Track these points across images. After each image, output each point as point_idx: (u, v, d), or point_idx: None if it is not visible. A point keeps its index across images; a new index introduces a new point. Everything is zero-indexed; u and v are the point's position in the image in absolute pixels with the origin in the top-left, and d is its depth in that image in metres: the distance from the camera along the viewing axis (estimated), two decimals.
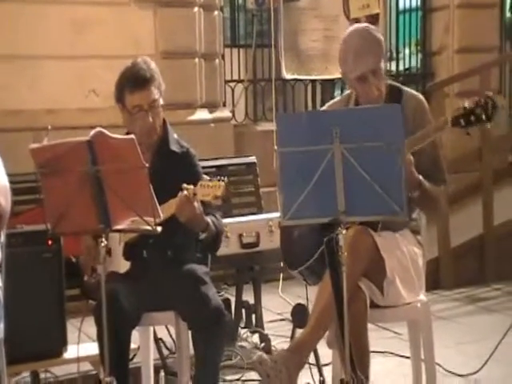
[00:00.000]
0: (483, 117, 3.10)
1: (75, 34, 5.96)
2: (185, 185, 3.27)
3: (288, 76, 7.17)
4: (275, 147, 2.90)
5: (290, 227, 3.42)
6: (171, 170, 3.50)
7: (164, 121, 3.62)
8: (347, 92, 3.59)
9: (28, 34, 5.80)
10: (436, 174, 3.39)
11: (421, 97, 3.49)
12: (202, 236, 3.43)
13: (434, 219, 5.84)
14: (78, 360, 3.52)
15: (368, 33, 3.38)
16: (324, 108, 3.65)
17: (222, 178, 3.28)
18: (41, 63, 5.88)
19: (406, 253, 3.38)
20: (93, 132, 3.01)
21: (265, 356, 3.13)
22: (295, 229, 3.40)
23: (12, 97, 5.76)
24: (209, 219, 3.45)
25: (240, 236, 4.68)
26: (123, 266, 3.47)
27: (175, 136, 3.65)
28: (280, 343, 4.72)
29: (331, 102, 3.71)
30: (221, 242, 3.63)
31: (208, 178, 3.43)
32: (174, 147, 3.61)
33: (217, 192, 3.26)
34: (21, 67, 5.83)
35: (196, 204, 3.30)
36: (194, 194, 3.27)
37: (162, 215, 3.06)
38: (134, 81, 3.46)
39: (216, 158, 5.23)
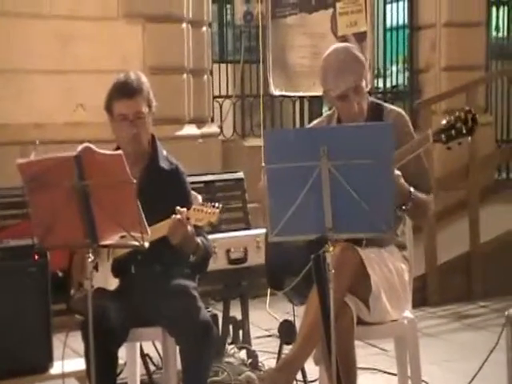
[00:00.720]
0: (463, 130, 3.13)
1: (63, 48, 5.96)
2: (178, 208, 3.27)
3: (276, 92, 7.18)
4: (263, 164, 2.89)
5: (274, 248, 3.43)
6: (160, 186, 3.50)
7: (153, 137, 3.62)
8: (328, 112, 3.61)
9: (16, 47, 5.80)
10: (422, 184, 3.40)
11: (400, 111, 3.52)
12: (192, 258, 3.43)
13: (421, 237, 5.87)
14: (63, 376, 3.50)
15: (348, 51, 3.40)
16: (309, 127, 3.66)
17: (217, 204, 3.28)
18: (29, 77, 5.88)
19: (392, 269, 3.38)
20: (80, 147, 3.01)
21: (252, 375, 3.12)
22: (279, 249, 3.40)
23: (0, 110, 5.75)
24: (199, 240, 3.45)
25: (228, 251, 4.68)
26: (112, 283, 3.45)
27: (164, 153, 3.65)
28: (267, 359, 4.71)
29: (315, 121, 3.72)
30: (209, 263, 3.62)
31: (199, 200, 3.43)
32: (163, 164, 3.60)
33: (211, 218, 3.27)
34: (8, 81, 5.83)
35: (189, 227, 3.30)
36: (188, 218, 3.27)
37: (149, 232, 3.06)
38: (121, 90, 3.50)
39: (204, 174, 5.23)
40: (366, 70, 3.41)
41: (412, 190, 3.26)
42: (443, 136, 3.15)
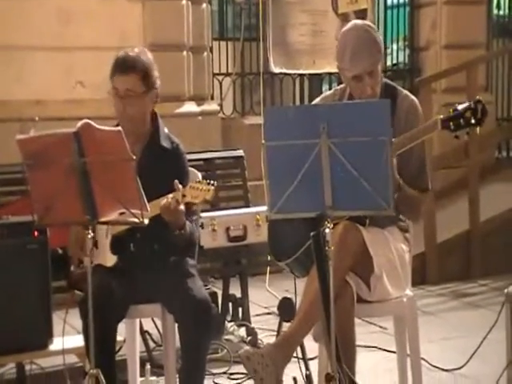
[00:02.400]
0: (472, 121, 3.11)
1: (63, 26, 5.94)
2: (176, 181, 3.27)
3: (276, 70, 7.17)
4: (262, 141, 2.88)
5: (278, 219, 3.41)
6: (159, 164, 3.48)
7: (156, 115, 3.60)
8: (342, 85, 3.56)
9: (16, 24, 5.77)
10: (420, 180, 3.38)
11: (414, 99, 3.46)
12: (176, 233, 3.41)
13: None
14: (63, 352, 3.52)
15: (367, 33, 3.33)
16: (317, 100, 3.60)
17: (212, 181, 3.28)
18: (28, 54, 5.86)
19: (393, 249, 3.37)
20: (80, 123, 2.99)
21: (251, 350, 3.13)
22: (284, 220, 3.39)
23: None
24: (187, 222, 3.45)
25: (227, 229, 4.68)
26: (110, 259, 3.46)
27: (166, 131, 3.64)
28: (266, 337, 4.74)
29: (325, 94, 3.66)
30: (190, 249, 3.60)
31: (198, 178, 3.42)
32: (164, 142, 3.58)
33: (206, 196, 3.26)
34: (8, 58, 5.81)
35: (182, 206, 3.30)
36: (184, 196, 3.26)
37: (149, 209, 3.05)
38: (117, 64, 3.48)
39: (203, 151, 5.23)
40: (382, 53, 3.37)
41: (401, 182, 3.25)
42: (451, 124, 3.13)
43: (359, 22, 3.51)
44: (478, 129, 3.15)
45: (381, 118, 2.77)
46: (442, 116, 3.17)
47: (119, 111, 3.48)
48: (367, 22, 3.56)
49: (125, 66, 3.46)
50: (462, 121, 3.13)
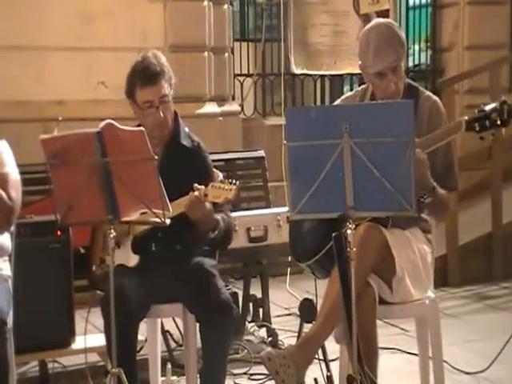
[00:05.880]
0: (498, 122, 3.09)
1: (84, 26, 5.96)
2: (196, 185, 3.27)
3: (297, 71, 7.16)
4: (284, 141, 2.87)
5: (299, 220, 3.40)
6: (181, 163, 3.49)
7: (176, 114, 3.59)
8: (363, 86, 3.56)
9: (36, 25, 5.80)
10: (448, 180, 3.35)
11: (436, 99, 3.44)
12: (212, 235, 3.42)
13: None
14: (85, 351, 3.53)
15: (390, 29, 3.33)
16: (338, 101, 3.60)
17: (234, 181, 3.28)
18: (50, 54, 5.89)
19: (415, 250, 3.35)
20: (102, 123, 3.01)
21: (273, 352, 3.12)
22: (305, 221, 3.38)
23: (20, 88, 5.76)
24: (219, 217, 3.44)
25: (248, 230, 4.68)
26: (132, 259, 3.46)
27: (186, 130, 3.63)
28: (287, 338, 4.73)
29: (346, 95, 3.66)
30: (231, 240, 3.61)
31: (220, 178, 3.42)
32: (185, 141, 3.58)
33: (228, 195, 3.26)
34: (29, 58, 5.83)
35: (207, 204, 3.30)
36: (205, 195, 3.27)
37: (171, 209, 3.06)
38: (144, 76, 3.41)
39: (224, 152, 5.23)
40: (405, 50, 3.35)
41: (435, 184, 3.21)
42: (477, 125, 3.11)
43: (381, 19, 3.51)
44: (503, 130, 3.13)
45: (404, 119, 2.76)
46: (466, 117, 3.14)
47: (157, 120, 3.42)
48: (389, 20, 3.55)
49: (153, 75, 3.40)
50: (487, 122, 3.10)
